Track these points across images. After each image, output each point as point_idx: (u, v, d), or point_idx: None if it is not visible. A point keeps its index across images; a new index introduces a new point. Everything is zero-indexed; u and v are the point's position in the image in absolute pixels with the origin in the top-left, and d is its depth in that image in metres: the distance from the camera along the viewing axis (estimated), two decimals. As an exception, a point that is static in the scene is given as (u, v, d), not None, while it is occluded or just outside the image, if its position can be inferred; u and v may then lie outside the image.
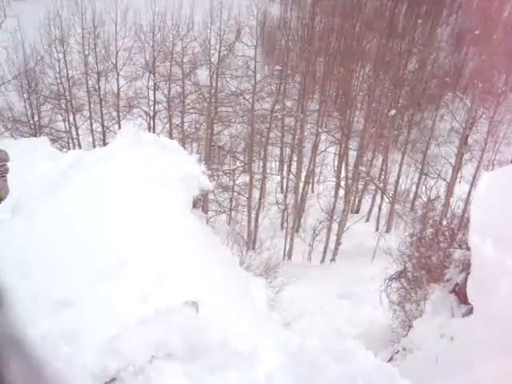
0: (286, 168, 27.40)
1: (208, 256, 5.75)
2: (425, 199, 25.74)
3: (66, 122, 23.26)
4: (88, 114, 23.21)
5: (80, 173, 6.05)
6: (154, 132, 22.82)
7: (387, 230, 25.91)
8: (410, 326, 8.19)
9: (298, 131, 24.11)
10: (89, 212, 5.29)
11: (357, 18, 31.36)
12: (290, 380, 3.00)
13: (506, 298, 5.12)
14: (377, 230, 26.00)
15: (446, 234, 9.90)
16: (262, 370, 3.03)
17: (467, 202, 21.28)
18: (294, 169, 25.05)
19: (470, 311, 6.71)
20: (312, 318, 15.00)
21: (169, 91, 22.91)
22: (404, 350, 7.84)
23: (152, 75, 23.21)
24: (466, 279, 7.09)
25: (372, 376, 3.08)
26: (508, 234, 5.92)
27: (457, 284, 7.74)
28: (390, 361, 8.61)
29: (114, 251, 4.57)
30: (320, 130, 24.42)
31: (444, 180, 25.94)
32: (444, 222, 12.52)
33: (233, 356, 3.06)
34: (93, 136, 23.31)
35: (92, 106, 23.16)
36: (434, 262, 9.13)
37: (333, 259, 23.09)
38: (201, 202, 20.04)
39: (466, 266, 7.17)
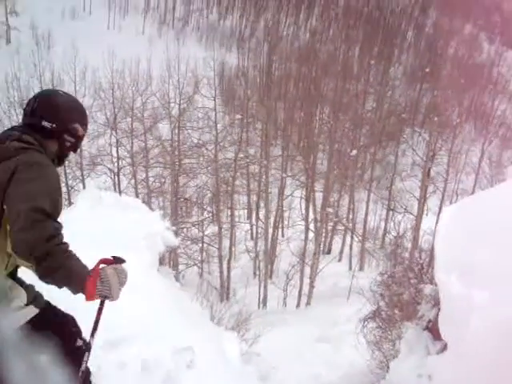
0: (254, 215, 27.38)
1: (175, 317, 5.64)
2: (394, 234, 25.92)
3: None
4: (51, 175, 22.97)
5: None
6: (119, 188, 22.70)
7: (360, 269, 25.91)
8: (388, 367, 8.08)
9: (264, 177, 24.23)
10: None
11: (312, 63, 32.07)
12: None
13: (475, 333, 5.10)
14: (350, 269, 25.98)
15: (416, 269, 9.90)
16: None
17: (434, 235, 21.45)
18: (262, 215, 25.05)
19: (445, 347, 6.68)
20: (291, 366, 14.71)
21: (131, 147, 22.91)
22: (383, 392, 7.73)
23: (114, 132, 23.21)
24: (437, 315, 7.08)
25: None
26: (473, 267, 5.97)
27: (429, 320, 7.71)
28: (370, 405, 8.48)
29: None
30: (284, 175, 24.57)
31: (411, 214, 26.23)
32: (415, 255, 12.58)
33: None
34: (58, 197, 23.05)
35: (55, 165, 22.97)
36: (406, 299, 9.09)
37: (308, 303, 22.91)
38: (169, 257, 19.84)
39: (436, 302, 7.17)
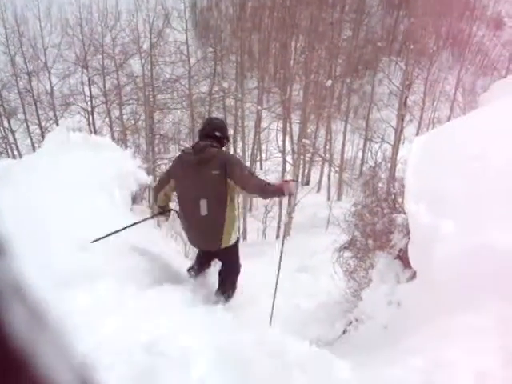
0: (231, 149, 27.26)
1: (146, 253, 5.67)
2: (371, 164, 26.05)
3: (1, 128, 22.55)
4: (23, 117, 22.53)
5: (6, 186, 5.84)
6: (94, 127, 22.37)
7: (338, 199, 26.19)
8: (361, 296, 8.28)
9: (239, 111, 23.98)
10: (17, 226, 5.12)
11: (287, -8, 31.19)
12: (224, 380, 2.96)
13: (440, 261, 5.21)
14: (328, 199, 26.23)
15: (389, 199, 9.99)
16: (194, 373, 2.97)
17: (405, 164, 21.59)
18: (239, 149, 24.95)
19: (414, 275, 6.84)
20: (270, 296, 15.02)
21: (104, 85, 22.42)
22: (356, 320, 7.94)
23: (85, 70, 22.65)
24: (408, 244, 7.21)
25: (308, 365, 3.07)
26: (441, 197, 6.03)
27: (401, 249, 7.85)
28: (344, 333, 8.72)
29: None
30: (260, 108, 24.33)
31: (388, 143, 26.32)
32: (389, 187, 12.69)
33: (161, 360, 2.99)
34: (31, 139, 22.69)
35: (26, 107, 22.49)
36: (379, 228, 9.21)
37: (287, 234, 23.19)
38: (148, 196, 19.77)
39: (408, 231, 7.28)
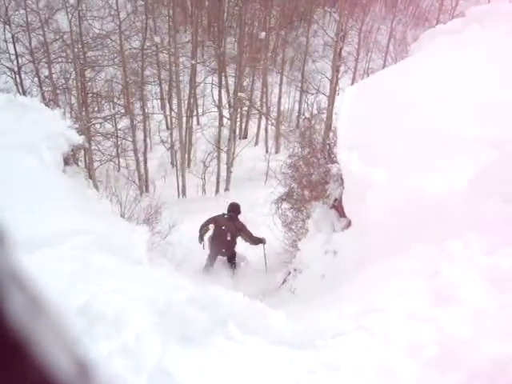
0: (167, 105, 26.82)
1: (80, 216, 5.55)
2: (308, 116, 26.20)
3: None
4: None
5: None
6: (22, 88, 21.42)
7: (276, 151, 26.28)
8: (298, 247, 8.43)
9: (174, 66, 23.50)
10: None
11: None
12: (160, 338, 2.96)
13: (372, 209, 5.34)
14: (266, 152, 26.29)
15: (324, 150, 10.11)
16: (130, 333, 2.96)
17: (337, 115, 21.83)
18: (175, 105, 24.55)
19: (349, 224, 7.00)
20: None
21: (29, 42, 21.31)
22: (295, 270, 8.11)
23: (7, 26, 21.46)
24: (342, 193, 7.34)
25: (242, 316, 3.11)
26: (372, 145, 6.14)
27: (336, 199, 8.00)
28: (283, 283, 8.91)
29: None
30: (194, 62, 23.90)
31: (324, 94, 26.44)
32: (325, 138, 12.82)
33: (97, 321, 2.97)
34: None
35: None
36: (315, 179, 9.33)
37: (226, 188, 23.22)
38: (84, 155, 19.30)
39: (343, 181, 7.40)
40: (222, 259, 11.48)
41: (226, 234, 10.75)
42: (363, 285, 4.59)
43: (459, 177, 4.43)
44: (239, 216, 11.33)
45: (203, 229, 10.99)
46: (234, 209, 11.25)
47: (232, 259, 11.49)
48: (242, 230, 10.95)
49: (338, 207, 7.53)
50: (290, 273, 8.65)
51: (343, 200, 6.51)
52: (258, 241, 11.15)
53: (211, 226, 10.96)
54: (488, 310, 3.29)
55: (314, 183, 9.33)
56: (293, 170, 11.23)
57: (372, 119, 6.34)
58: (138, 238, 6.34)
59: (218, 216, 11.12)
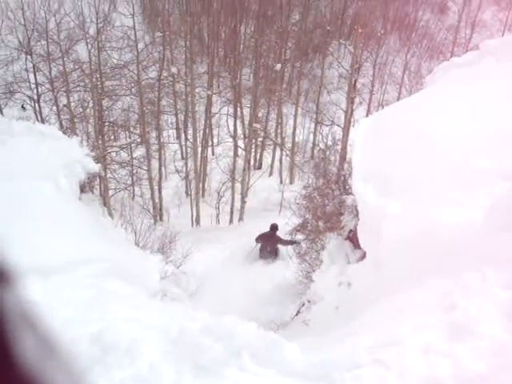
0: (182, 135, 27.06)
1: (96, 243, 5.58)
2: (322, 147, 26.28)
3: None
4: (-37, 106, 21.76)
5: None
6: (41, 116, 21.76)
7: (291, 182, 26.34)
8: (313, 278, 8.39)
9: (190, 96, 23.78)
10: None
11: (236, -25, 30.99)
12: (173, 367, 2.95)
13: (388, 240, 5.32)
14: (280, 183, 26.36)
15: (339, 181, 10.12)
16: (143, 362, 2.95)
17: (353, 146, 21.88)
18: (190, 135, 24.77)
19: (364, 256, 6.96)
20: (224, 281, 15.09)
21: (50, 71, 21.75)
22: (309, 302, 8.05)
23: (29, 56, 21.93)
24: (357, 225, 7.32)
25: (256, 347, 3.09)
26: (387, 177, 6.14)
27: (351, 230, 7.98)
28: (297, 314, 8.85)
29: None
30: (210, 93, 24.18)
31: (338, 126, 26.56)
32: (340, 167, 12.86)
33: (110, 350, 2.96)
34: (-27, 128, 21.90)
35: (-33, 95, 21.73)
36: (330, 210, 9.33)
37: (240, 218, 23.26)
38: (93, 184, 19.47)
39: (358, 212, 7.39)
40: (263, 261, 15.99)
41: (266, 247, 15.89)
42: (378, 317, 4.55)
43: (474, 209, 4.42)
44: (277, 232, 15.72)
45: (256, 242, 16.16)
46: (273, 228, 15.83)
47: (275, 257, 16.19)
48: (279, 242, 15.61)
49: (352, 239, 7.51)
50: (303, 304, 8.60)
51: (358, 231, 6.50)
52: (290, 242, 15.06)
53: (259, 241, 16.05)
54: (506, 345, 3.24)
55: (328, 214, 9.33)
56: (307, 201, 11.25)
57: (387, 151, 6.36)
58: (152, 266, 6.35)
59: (264, 233, 15.88)
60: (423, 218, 4.73)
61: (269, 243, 15.92)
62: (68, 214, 5.55)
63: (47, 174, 6.56)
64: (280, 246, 16.07)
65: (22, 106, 22.23)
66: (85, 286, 4.28)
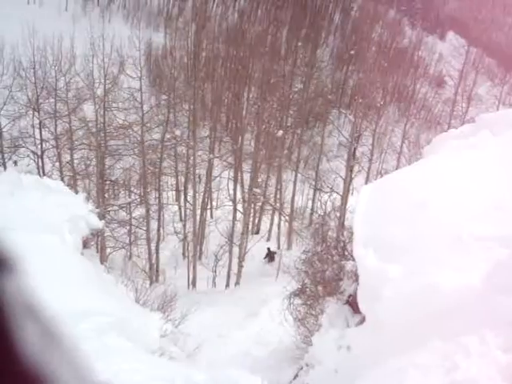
0: (182, 196, 27.28)
1: (95, 300, 5.63)
2: (320, 214, 26.46)
3: None
4: (-32, 157, 22.06)
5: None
6: (43, 171, 22.02)
7: (288, 248, 26.38)
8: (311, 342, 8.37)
9: (191, 159, 24.16)
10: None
11: (240, 44, 31.99)
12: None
13: (388, 304, 5.39)
14: (278, 248, 26.40)
15: (338, 247, 10.22)
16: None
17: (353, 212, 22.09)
18: (190, 197, 25.00)
19: (363, 320, 7.00)
20: (220, 344, 14.94)
21: (55, 128, 22.20)
22: (307, 365, 8.00)
23: (36, 113, 22.42)
24: (357, 289, 7.38)
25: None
26: (387, 242, 6.27)
27: (350, 295, 8.04)
28: (295, 378, 8.77)
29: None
30: (211, 156, 24.57)
31: (337, 193, 26.85)
32: (339, 233, 12.98)
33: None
34: (-24, 180, 22.13)
35: (-27, 147, 22.05)
36: (329, 275, 9.39)
37: (237, 282, 23.16)
38: (94, 241, 19.50)
39: (357, 277, 7.46)
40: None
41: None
42: (379, 380, 4.58)
43: (473, 273, 4.52)
44: None
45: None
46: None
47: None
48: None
49: (352, 303, 7.56)
50: (301, 368, 8.54)
51: (358, 296, 6.56)
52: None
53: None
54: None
55: (327, 279, 9.39)
56: (307, 266, 11.31)
57: (387, 216, 6.51)
58: (151, 324, 6.37)
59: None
60: (423, 281, 4.82)
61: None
62: (72, 267, 5.64)
63: (52, 228, 6.68)
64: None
65: (15, 162, 22.51)
66: (88, 339, 4.32)
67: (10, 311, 0.53)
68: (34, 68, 22.16)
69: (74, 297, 5.19)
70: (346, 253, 9.89)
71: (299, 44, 36.25)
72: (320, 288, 9.84)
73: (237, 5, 61.30)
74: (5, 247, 0.60)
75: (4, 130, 22.07)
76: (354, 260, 8.21)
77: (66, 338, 0.60)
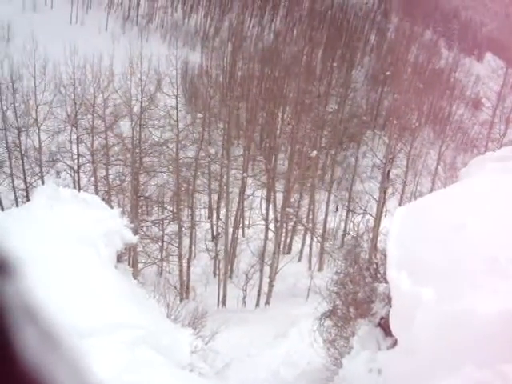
0: (214, 214, 27.40)
1: (128, 313, 5.67)
2: (353, 235, 26.24)
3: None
4: (9, 171, 22.55)
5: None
6: (78, 185, 22.39)
7: (319, 269, 26.19)
8: (342, 364, 8.26)
9: (225, 177, 24.29)
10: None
11: (275, 64, 32.23)
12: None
13: (421, 328, 5.30)
14: (309, 269, 26.24)
15: (371, 269, 10.11)
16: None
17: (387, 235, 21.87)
18: (222, 215, 25.10)
19: (395, 343, 6.88)
20: (250, 363, 14.86)
21: (92, 144, 22.62)
22: (337, 387, 7.91)
23: (74, 128, 22.89)
24: (389, 312, 7.28)
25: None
26: (422, 265, 6.17)
27: (382, 317, 7.93)
28: (324, 400, 8.66)
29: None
30: (245, 175, 24.67)
31: (370, 215, 26.62)
32: (371, 255, 12.86)
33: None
34: (15, 193, 22.61)
35: (13, 162, 22.56)
36: (361, 297, 9.29)
37: (267, 302, 23.05)
38: (127, 255, 19.71)
39: (389, 300, 7.36)
40: None
41: None
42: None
43: (510, 297, 4.42)
44: None
45: None
46: None
47: None
48: None
49: (384, 326, 7.45)
50: (331, 391, 8.43)
51: (390, 318, 6.47)
52: None
53: None
54: None
55: (359, 301, 9.28)
56: (339, 287, 11.21)
57: (422, 239, 6.42)
58: (182, 339, 6.38)
59: None
60: (458, 305, 4.73)
61: None
62: (106, 280, 5.70)
63: (89, 241, 6.79)
64: None
65: (58, 173, 23.08)
66: (119, 351, 4.35)
67: (9, 314, 0.53)
68: (73, 85, 22.67)
69: (107, 309, 5.25)
70: (379, 275, 9.78)
71: (334, 65, 36.39)
72: (352, 310, 9.73)
73: (273, 25, 61.98)
74: (5, 251, 0.59)
75: (43, 144, 22.57)
76: (386, 282, 8.11)
77: (64, 340, 0.60)
